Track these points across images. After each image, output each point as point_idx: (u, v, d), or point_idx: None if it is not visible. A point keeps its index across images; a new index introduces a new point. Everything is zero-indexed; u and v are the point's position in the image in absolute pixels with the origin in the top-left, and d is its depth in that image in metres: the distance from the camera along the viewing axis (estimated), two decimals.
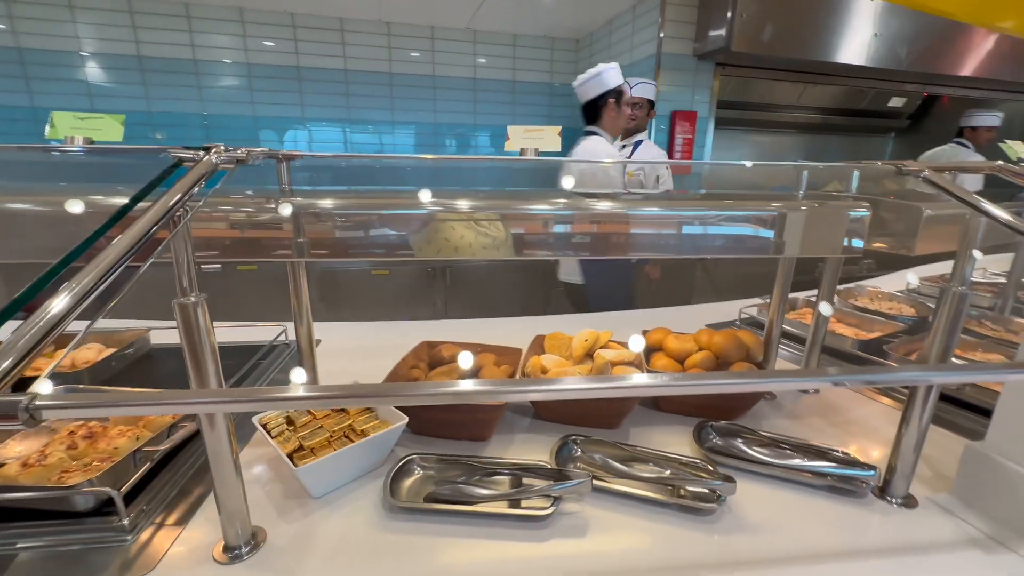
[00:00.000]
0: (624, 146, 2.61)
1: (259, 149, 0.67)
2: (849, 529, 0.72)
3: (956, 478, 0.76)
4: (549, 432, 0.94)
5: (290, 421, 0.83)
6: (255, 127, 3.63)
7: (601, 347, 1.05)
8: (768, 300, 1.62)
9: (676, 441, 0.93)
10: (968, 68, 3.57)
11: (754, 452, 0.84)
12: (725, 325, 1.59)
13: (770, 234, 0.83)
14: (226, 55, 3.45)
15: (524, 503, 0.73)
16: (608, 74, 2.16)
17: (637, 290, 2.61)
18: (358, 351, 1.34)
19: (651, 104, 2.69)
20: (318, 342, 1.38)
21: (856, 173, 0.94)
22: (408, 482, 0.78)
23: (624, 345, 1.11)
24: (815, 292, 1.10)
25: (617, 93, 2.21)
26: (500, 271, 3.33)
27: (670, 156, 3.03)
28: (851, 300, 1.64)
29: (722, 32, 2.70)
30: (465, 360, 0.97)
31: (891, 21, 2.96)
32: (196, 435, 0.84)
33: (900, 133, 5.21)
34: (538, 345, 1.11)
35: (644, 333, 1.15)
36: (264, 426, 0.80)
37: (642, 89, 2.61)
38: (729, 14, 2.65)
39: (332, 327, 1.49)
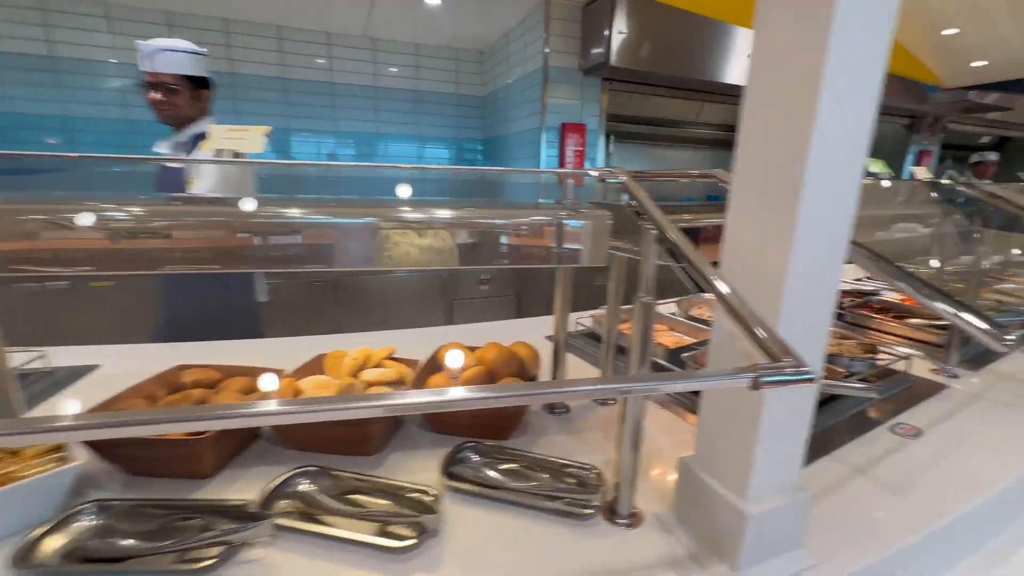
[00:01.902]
0: (179, 143, 1.75)
1: None
2: (561, 555, 0.67)
3: (675, 494, 0.74)
4: (291, 463, 0.84)
5: None
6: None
7: (374, 366, 0.98)
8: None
9: (436, 465, 0.87)
10: None
11: (492, 475, 0.79)
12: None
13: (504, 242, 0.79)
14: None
15: (196, 552, 0.64)
16: None
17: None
18: (133, 378, 1.19)
19: (202, 83, 1.76)
20: (94, 368, 1.23)
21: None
22: (68, 536, 0.66)
23: (408, 363, 1.04)
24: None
25: None
26: (397, 283, 3.23)
27: (561, 167, 3.06)
28: (692, 310, 1.67)
29: (602, 49, 2.77)
30: (204, 385, 0.86)
31: None
32: None
33: None
34: (316, 365, 1.03)
35: (440, 348, 1.09)
36: None
37: (171, 62, 1.66)
38: (607, 32, 2.72)
39: (122, 350, 1.34)
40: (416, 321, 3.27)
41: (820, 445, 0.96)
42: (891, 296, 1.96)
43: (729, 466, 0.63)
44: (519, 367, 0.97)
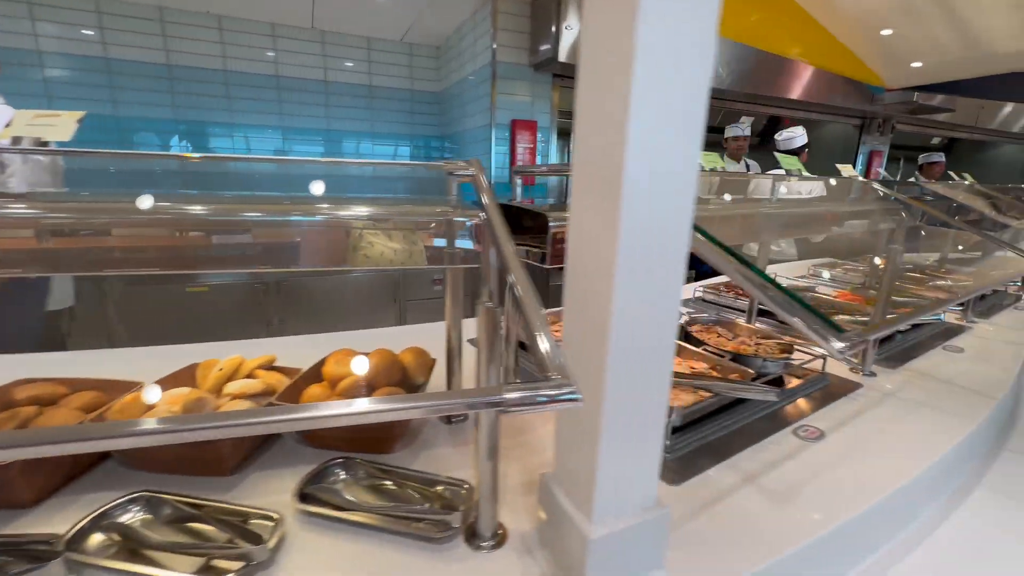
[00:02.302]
0: None
1: None
2: None
3: (539, 511, 0.68)
4: (136, 485, 0.76)
5: None
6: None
7: (246, 376, 0.90)
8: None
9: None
10: (795, 92, 3.92)
11: (350, 496, 0.73)
12: None
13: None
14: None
15: None
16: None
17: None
18: None
19: None
20: None
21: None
22: None
23: (290, 371, 0.97)
24: None
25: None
26: (348, 285, 3.12)
27: (512, 165, 3.01)
28: None
29: (549, 45, 2.73)
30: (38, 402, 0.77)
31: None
32: None
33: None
34: (187, 375, 0.94)
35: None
36: None
37: None
38: (553, 28, 2.67)
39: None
40: (366, 323, 3.18)
41: (718, 451, 0.93)
42: (823, 292, 1.96)
43: (577, 484, 0.58)
44: (401, 376, 0.90)
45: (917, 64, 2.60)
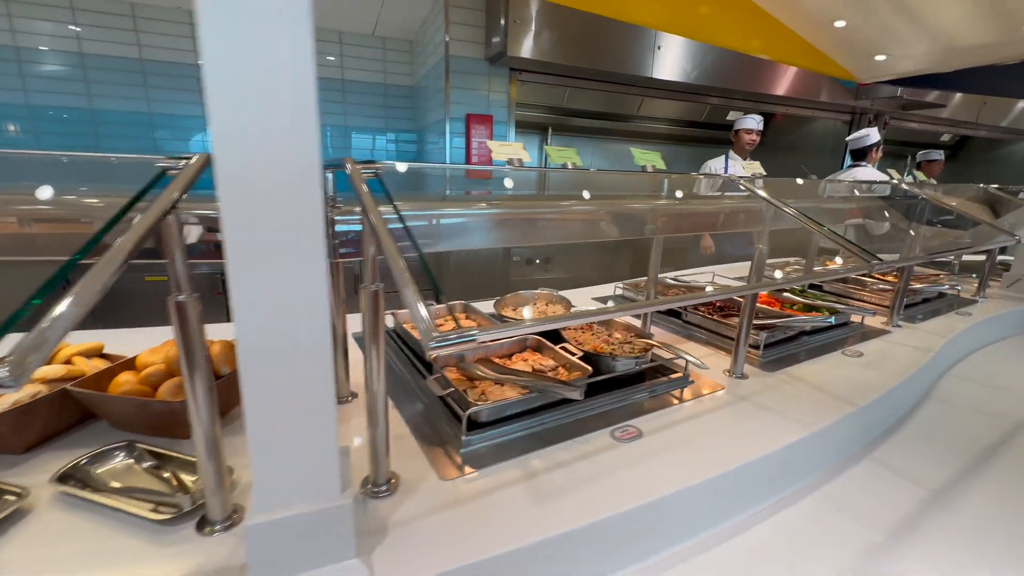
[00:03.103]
0: None
1: None
2: (114, 564, 0.64)
3: None
4: None
5: None
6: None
7: (64, 362, 0.94)
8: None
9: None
10: (771, 88, 3.80)
11: (103, 478, 0.76)
12: None
13: None
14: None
15: None
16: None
17: None
18: None
19: None
20: None
21: None
22: None
23: (117, 359, 1.01)
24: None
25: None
26: None
27: (467, 159, 3.01)
28: (517, 308, 1.63)
29: (500, 38, 2.72)
30: None
31: (670, 37, 3.10)
32: None
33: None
34: None
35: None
36: None
37: None
38: (503, 21, 2.66)
39: None
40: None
41: (523, 447, 0.93)
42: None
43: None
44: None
45: (881, 57, 2.49)
